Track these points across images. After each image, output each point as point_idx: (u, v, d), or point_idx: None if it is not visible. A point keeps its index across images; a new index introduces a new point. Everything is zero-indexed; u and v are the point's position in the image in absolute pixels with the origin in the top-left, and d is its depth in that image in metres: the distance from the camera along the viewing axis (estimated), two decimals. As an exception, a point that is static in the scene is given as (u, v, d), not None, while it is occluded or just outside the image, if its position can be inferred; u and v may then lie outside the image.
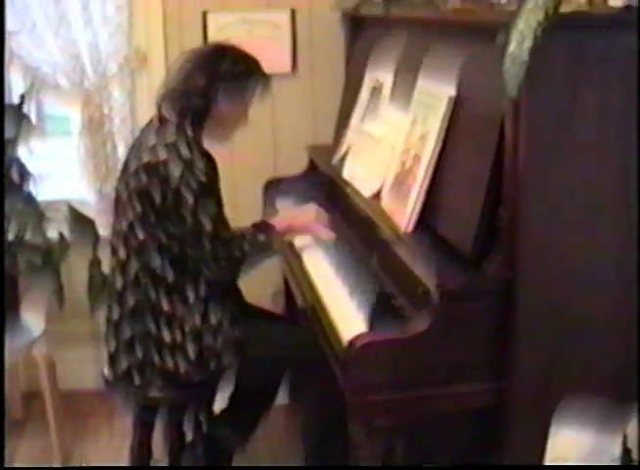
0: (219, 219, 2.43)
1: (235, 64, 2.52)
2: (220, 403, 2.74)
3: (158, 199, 2.38)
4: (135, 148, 2.54)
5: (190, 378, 2.46)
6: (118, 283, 2.50)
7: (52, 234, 3.23)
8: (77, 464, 3.19)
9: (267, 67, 3.45)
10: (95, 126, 3.44)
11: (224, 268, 2.48)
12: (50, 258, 2.99)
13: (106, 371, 2.54)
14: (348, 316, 2.18)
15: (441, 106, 2.19)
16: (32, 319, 3.23)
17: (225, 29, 3.48)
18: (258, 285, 2.99)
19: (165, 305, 2.46)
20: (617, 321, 1.93)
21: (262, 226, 2.57)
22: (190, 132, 2.46)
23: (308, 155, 3.44)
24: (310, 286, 2.47)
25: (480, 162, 1.96)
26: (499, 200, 1.92)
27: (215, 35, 3.46)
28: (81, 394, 3.55)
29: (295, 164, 3.49)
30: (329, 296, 2.35)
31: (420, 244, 2.11)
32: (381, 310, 2.14)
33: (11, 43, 3.32)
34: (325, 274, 2.53)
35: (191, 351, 2.45)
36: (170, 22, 3.47)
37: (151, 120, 2.57)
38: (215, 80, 2.48)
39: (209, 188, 2.39)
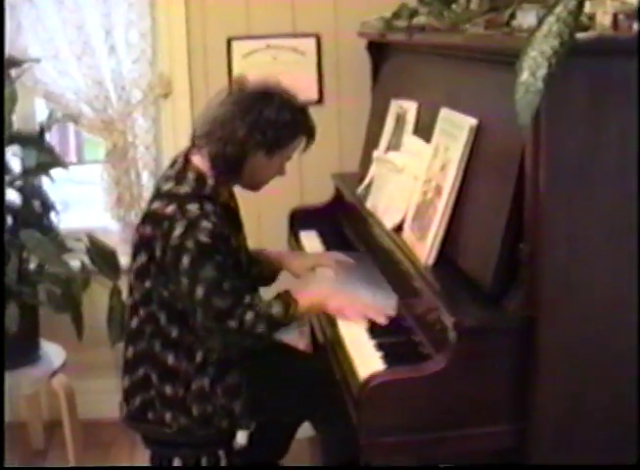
0: (217, 286, 2.23)
1: (279, 113, 2.32)
2: (241, 438, 2.69)
3: (158, 254, 2.26)
4: (155, 188, 2.43)
5: (190, 433, 2.38)
6: (133, 323, 2.42)
7: (74, 263, 3.22)
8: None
9: (293, 93, 3.49)
10: (119, 154, 3.41)
11: (217, 340, 2.29)
12: (70, 288, 2.95)
13: (122, 407, 2.49)
14: (366, 354, 2.10)
15: (462, 135, 2.12)
16: (52, 349, 3.21)
17: (250, 56, 3.46)
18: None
19: (170, 360, 2.35)
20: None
21: (285, 298, 2.34)
22: (211, 182, 2.32)
23: (334, 183, 3.38)
24: (330, 321, 2.39)
25: (501, 193, 1.89)
26: (520, 234, 1.84)
27: (240, 62, 3.45)
28: (103, 424, 3.50)
29: (321, 192, 3.43)
30: (348, 332, 2.27)
31: (440, 278, 2.04)
32: (399, 348, 2.07)
33: (34, 70, 3.31)
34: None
35: (194, 409, 2.36)
36: (194, 48, 3.45)
37: (175, 160, 2.44)
38: (254, 130, 2.29)
39: (210, 250, 2.22)
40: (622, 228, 1.79)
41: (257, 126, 2.29)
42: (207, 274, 2.22)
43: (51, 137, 3.91)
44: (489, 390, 1.83)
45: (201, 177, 2.33)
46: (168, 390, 2.36)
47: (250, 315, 2.26)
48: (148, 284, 2.33)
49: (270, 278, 2.75)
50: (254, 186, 2.47)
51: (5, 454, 2.80)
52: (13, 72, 3.11)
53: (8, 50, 3.24)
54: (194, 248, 2.21)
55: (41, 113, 3.48)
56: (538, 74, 1.31)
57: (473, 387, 1.83)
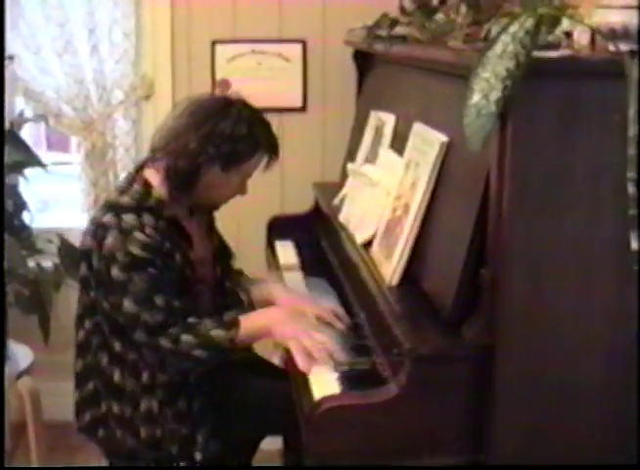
0: (146, 300, 2.13)
1: (235, 127, 2.21)
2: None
3: (95, 264, 2.19)
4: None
5: (136, 455, 2.30)
6: (80, 335, 2.35)
7: (47, 264, 3.16)
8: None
9: (277, 100, 3.44)
10: (97, 155, 3.35)
11: (150, 357, 2.19)
12: (38, 289, 2.89)
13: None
14: (325, 375, 2.04)
15: (433, 152, 2.06)
16: (20, 351, 3.16)
17: (234, 60, 3.40)
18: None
19: (116, 376, 2.27)
20: (607, 394, 1.77)
21: (230, 321, 2.21)
22: (157, 195, 2.23)
23: (314, 193, 3.32)
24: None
25: (465, 216, 1.83)
26: (483, 258, 1.77)
27: (224, 66, 3.39)
28: (71, 426, 3.43)
29: (302, 201, 3.37)
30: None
31: (401, 301, 1.98)
32: (359, 370, 2.01)
33: (15, 67, 3.26)
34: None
35: (143, 431, 2.27)
36: (178, 50, 3.39)
37: (130, 171, 2.37)
38: (208, 144, 2.18)
39: (142, 263, 2.13)
40: (589, 256, 1.72)
41: (211, 139, 2.18)
42: (137, 287, 2.13)
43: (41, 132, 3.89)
44: (444, 420, 1.77)
45: (145, 189, 2.25)
46: (115, 408, 2.29)
47: (186, 337, 2.14)
48: (92, 294, 2.26)
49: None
50: (211, 204, 2.39)
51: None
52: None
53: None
54: (123, 259, 2.13)
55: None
56: (491, 97, 1.24)
57: (426, 416, 1.76)
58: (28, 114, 3.32)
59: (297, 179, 3.50)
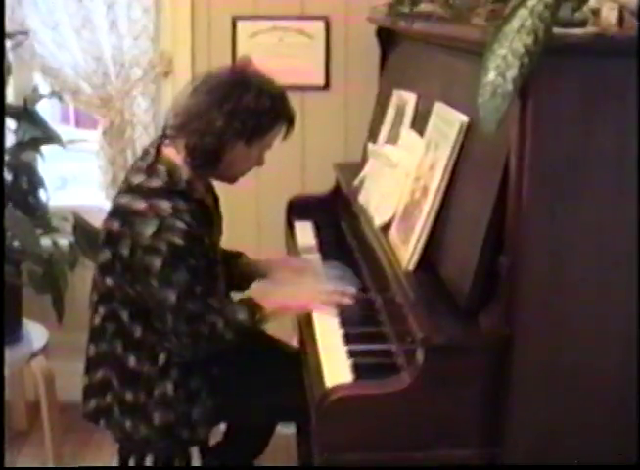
0: (189, 290, 2.12)
1: (258, 100, 2.19)
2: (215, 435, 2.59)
3: (125, 252, 2.13)
4: (125, 180, 2.29)
5: (149, 443, 2.27)
6: (95, 320, 2.30)
7: (64, 242, 3.12)
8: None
9: (299, 78, 3.36)
10: (115, 133, 3.30)
11: (187, 344, 2.17)
12: (52, 268, 2.85)
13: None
14: (337, 360, 1.98)
15: (452, 133, 1.98)
16: (35, 330, 3.13)
17: (255, 37, 3.32)
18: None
19: (132, 362, 2.24)
20: (625, 389, 1.69)
21: (249, 304, 2.25)
22: (185, 176, 2.20)
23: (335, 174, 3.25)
24: (307, 321, 2.27)
25: (483, 200, 1.75)
26: (502, 245, 1.70)
27: (245, 42, 3.32)
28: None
29: (324, 182, 3.29)
30: (324, 335, 2.15)
31: (416, 287, 1.90)
32: (373, 357, 1.95)
33: (33, 43, 3.21)
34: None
35: (156, 417, 2.24)
36: (198, 26, 3.31)
37: (147, 150, 2.30)
38: (234, 120, 2.16)
39: (184, 253, 2.10)
40: (611, 243, 1.65)
41: (236, 115, 2.16)
42: (180, 278, 2.10)
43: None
44: (458, 412, 1.71)
45: (174, 171, 2.20)
46: (129, 395, 2.25)
47: (221, 323, 2.16)
48: (109, 281, 2.22)
49: (245, 284, 2.63)
50: (231, 178, 2.34)
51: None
52: (8, 44, 3.00)
53: (6, 21, 3.14)
54: (167, 250, 2.09)
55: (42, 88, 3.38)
56: (508, 75, 1.16)
57: (440, 408, 1.70)
58: (45, 90, 3.27)
59: (319, 159, 3.43)
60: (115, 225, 2.16)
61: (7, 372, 2.96)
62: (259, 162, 2.33)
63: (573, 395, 1.68)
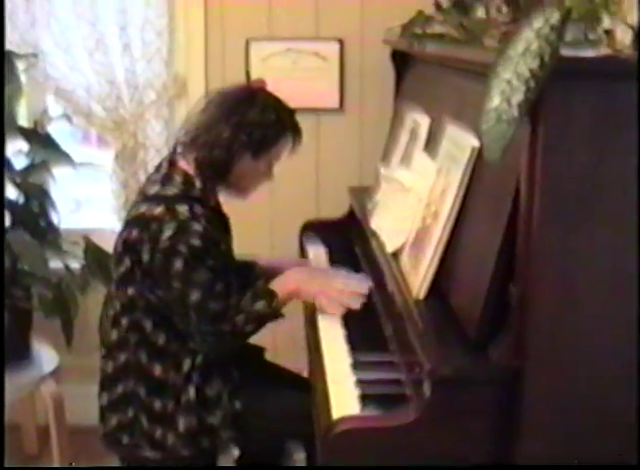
0: (210, 289, 2.18)
1: (264, 114, 2.27)
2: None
3: (145, 257, 2.17)
4: (140, 193, 2.34)
5: (177, 452, 2.25)
6: (113, 335, 2.30)
7: (75, 266, 3.09)
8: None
9: (313, 101, 3.33)
10: (128, 156, 3.28)
11: (212, 343, 2.23)
12: (61, 292, 2.82)
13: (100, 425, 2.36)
14: (346, 392, 1.93)
15: (464, 157, 1.93)
16: (45, 354, 3.10)
17: (269, 59, 3.29)
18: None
19: (157, 371, 2.24)
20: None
21: (264, 291, 2.29)
22: (199, 185, 2.25)
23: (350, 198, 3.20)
24: (317, 347, 2.22)
25: (493, 228, 1.70)
26: (513, 274, 1.64)
27: (259, 64, 3.29)
28: (98, 431, 3.37)
29: (339, 205, 3.25)
30: (332, 363, 2.10)
31: (425, 316, 1.85)
32: (381, 386, 1.90)
33: (45, 65, 3.20)
34: (335, 335, 2.27)
35: (181, 424, 2.23)
36: (212, 49, 3.30)
37: (160, 164, 2.36)
38: (241, 132, 2.24)
39: (203, 253, 2.16)
40: (626, 272, 1.59)
41: (242, 127, 2.24)
42: (202, 278, 2.16)
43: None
44: (465, 447, 1.64)
45: (188, 179, 2.26)
46: (158, 404, 2.25)
47: (240, 317, 2.21)
48: (131, 291, 2.23)
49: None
50: (242, 191, 2.38)
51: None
52: (20, 66, 2.99)
53: (18, 43, 3.13)
54: (186, 251, 2.13)
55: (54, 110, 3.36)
56: (514, 101, 1.11)
57: (446, 442, 1.64)
58: (58, 112, 3.25)
59: (334, 182, 3.40)
60: (134, 233, 2.20)
61: (16, 396, 2.93)
62: (268, 176, 2.39)
63: (587, 429, 1.62)
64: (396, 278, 2.11)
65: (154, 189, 2.25)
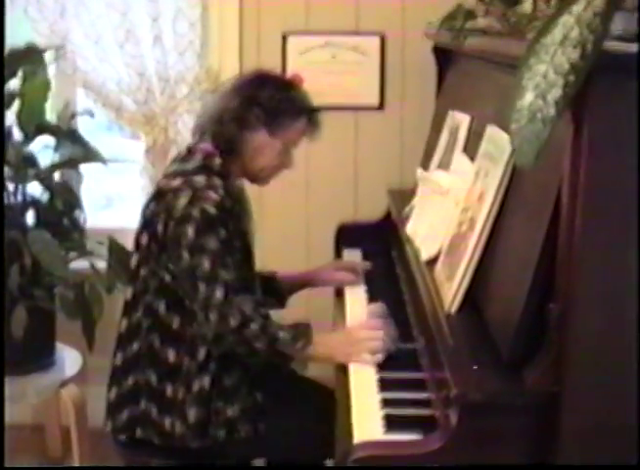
0: (222, 259, 2.05)
1: (277, 91, 2.22)
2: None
3: (160, 229, 2.09)
4: (163, 175, 2.27)
5: (185, 443, 2.13)
6: (122, 326, 2.21)
7: (102, 265, 2.99)
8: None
9: (352, 98, 3.19)
10: (159, 151, 3.16)
11: (213, 325, 2.05)
12: (83, 293, 2.72)
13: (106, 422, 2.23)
14: (369, 411, 1.78)
15: (503, 159, 1.77)
16: (69, 355, 3.01)
17: (307, 53, 3.16)
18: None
19: (171, 356, 2.13)
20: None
21: (302, 329, 2.12)
22: (218, 160, 2.17)
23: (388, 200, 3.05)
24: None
25: (532, 239, 1.54)
26: (552, 290, 1.49)
27: (296, 59, 3.17)
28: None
29: (377, 207, 3.10)
30: (358, 380, 1.95)
31: (458, 332, 1.70)
32: (408, 409, 1.75)
33: (75, 58, 3.10)
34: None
35: (191, 414, 2.11)
36: (247, 42, 3.18)
37: (180, 151, 2.30)
38: (252, 104, 2.18)
39: (216, 222, 2.05)
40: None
41: (255, 101, 2.18)
42: (213, 245, 2.04)
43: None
44: (496, 479, 1.49)
45: (208, 155, 2.18)
46: (169, 390, 2.13)
47: (255, 325, 2.05)
48: (144, 272, 2.15)
49: (280, 300, 2.55)
50: (259, 174, 2.27)
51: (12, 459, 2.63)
52: (47, 58, 2.89)
53: (46, 34, 3.04)
54: (199, 217, 2.04)
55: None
56: (550, 97, 0.95)
57: (475, 473, 1.49)
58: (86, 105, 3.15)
59: (373, 183, 3.25)
60: (151, 206, 2.14)
61: (36, 400, 2.84)
62: (287, 162, 2.28)
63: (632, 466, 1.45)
64: (429, 289, 1.96)
65: (173, 167, 2.22)
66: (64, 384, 2.86)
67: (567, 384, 1.44)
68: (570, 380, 1.44)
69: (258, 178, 2.29)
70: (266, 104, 2.18)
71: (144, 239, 2.14)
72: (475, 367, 1.54)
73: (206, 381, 2.12)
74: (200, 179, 2.11)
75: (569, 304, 1.43)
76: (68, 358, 2.98)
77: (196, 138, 2.26)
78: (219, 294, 2.03)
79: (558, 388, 1.45)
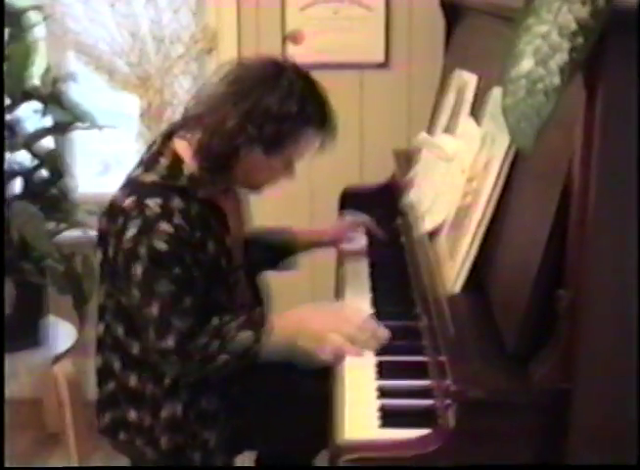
0: (174, 303, 1.81)
1: (284, 102, 1.83)
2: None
3: (111, 253, 1.85)
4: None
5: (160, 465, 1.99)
6: (100, 326, 2.03)
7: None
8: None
9: (356, 55, 3.03)
10: (154, 115, 3.01)
11: (173, 365, 1.88)
12: (72, 266, 2.59)
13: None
14: (364, 402, 1.64)
15: (510, 127, 1.61)
16: (63, 330, 2.89)
17: (308, 9, 2.99)
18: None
19: (132, 381, 1.95)
20: None
21: (257, 320, 1.90)
22: (188, 172, 1.88)
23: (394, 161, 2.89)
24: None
25: (540, 216, 1.39)
26: (562, 275, 1.33)
27: (296, 15, 3.00)
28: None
29: (384, 170, 2.94)
30: (353, 368, 1.80)
31: (460, 317, 1.55)
32: (406, 399, 1.61)
33: (64, 19, 2.94)
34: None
35: (164, 441, 1.95)
36: (244, -2, 3.01)
37: (155, 140, 2.00)
38: (249, 123, 1.81)
39: (168, 259, 1.79)
40: None
41: (253, 117, 1.81)
42: (163, 288, 1.80)
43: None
44: (498, 484, 1.35)
45: (175, 164, 1.88)
46: (133, 415, 1.97)
47: (215, 343, 1.84)
48: (102, 289, 1.95)
49: (283, 257, 2.35)
50: (252, 187, 2.02)
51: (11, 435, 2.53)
52: (32, 19, 2.74)
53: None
54: (146, 255, 1.78)
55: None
56: (553, 63, 0.79)
57: (474, 478, 1.35)
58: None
59: (379, 145, 3.10)
60: (104, 223, 1.89)
61: (28, 378, 2.73)
62: (287, 173, 1.98)
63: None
64: (430, 264, 1.81)
65: (136, 172, 1.92)
66: (57, 360, 2.74)
67: (578, 380, 1.30)
68: (581, 376, 1.30)
69: (252, 189, 2.05)
70: (265, 122, 1.82)
71: (99, 254, 1.93)
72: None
73: (178, 408, 1.94)
74: (153, 204, 1.80)
75: (580, 290, 1.28)
76: (62, 333, 2.86)
77: (176, 127, 1.97)
78: (170, 342, 1.82)
79: (568, 384, 1.30)
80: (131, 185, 1.88)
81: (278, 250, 2.34)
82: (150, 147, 1.99)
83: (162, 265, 1.79)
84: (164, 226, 1.79)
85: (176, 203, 1.83)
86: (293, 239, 2.37)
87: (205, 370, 1.89)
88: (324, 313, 1.89)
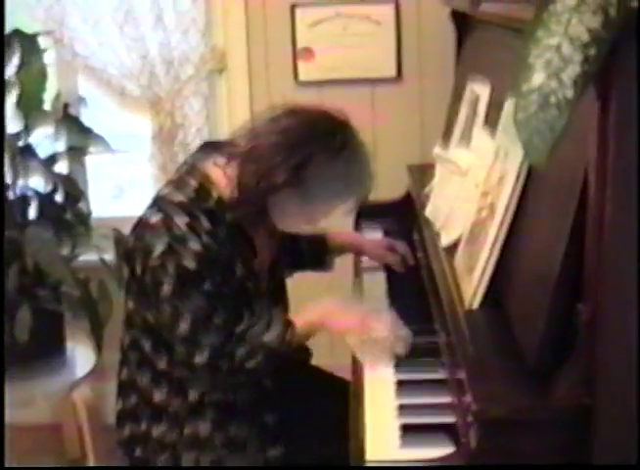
0: (204, 320, 1.82)
1: (332, 163, 1.83)
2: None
3: (138, 270, 1.84)
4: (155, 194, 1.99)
5: None
6: (126, 339, 2.02)
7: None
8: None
9: (367, 70, 3.01)
10: (166, 137, 3.01)
11: (204, 378, 1.89)
12: (88, 290, 2.58)
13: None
14: (384, 420, 1.62)
15: (523, 139, 1.59)
16: (82, 354, 2.88)
17: (317, 26, 2.99)
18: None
19: (157, 396, 1.94)
20: None
21: (281, 319, 1.91)
22: (216, 194, 1.87)
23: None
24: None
25: (557, 229, 1.37)
26: (581, 289, 1.31)
27: (305, 32, 2.99)
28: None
29: (397, 186, 2.92)
30: (372, 383, 1.79)
31: (479, 333, 1.53)
32: (427, 417, 1.58)
33: (73, 43, 2.95)
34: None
35: (185, 459, 1.93)
36: (253, 16, 3.01)
37: (186, 161, 2.00)
38: (296, 178, 1.81)
39: (196, 277, 1.80)
40: None
41: (300, 173, 1.81)
42: (192, 306, 1.80)
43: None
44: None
45: (205, 187, 1.88)
46: (156, 431, 1.96)
47: (241, 350, 1.85)
48: (130, 304, 1.94)
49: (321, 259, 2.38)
50: (282, 227, 1.99)
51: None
52: (41, 44, 2.74)
53: (43, 19, 2.89)
54: (175, 274, 1.78)
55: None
56: (565, 76, 0.77)
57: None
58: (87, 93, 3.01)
59: (392, 159, 3.06)
60: (131, 241, 1.89)
61: (46, 404, 2.72)
62: (314, 222, 2.00)
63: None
64: (447, 281, 1.79)
65: (164, 191, 1.92)
66: (74, 385, 2.73)
67: (600, 396, 1.27)
68: (603, 391, 1.27)
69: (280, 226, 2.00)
70: (312, 181, 1.83)
71: (125, 270, 1.93)
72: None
73: (203, 427, 1.93)
74: (181, 222, 1.81)
75: (600, 304, 1.26)
76: (80, 358, 2.85)
77: (209, 149, 1.96)
78: (202, 358, 1.83)
79: (590, 400, 1.27)
80: (159, 204, 1.88)
81: (316, 248, 2.36)
82: (181, 165, 1.99)
83: (191, 283, 1.80)
84: (192, 244, 1.80)
85: (204, 223, 1.84)
86: (330, 240, 2.39)
87: (235, 378, 1.90)
88: (351, 313, 1.91)
